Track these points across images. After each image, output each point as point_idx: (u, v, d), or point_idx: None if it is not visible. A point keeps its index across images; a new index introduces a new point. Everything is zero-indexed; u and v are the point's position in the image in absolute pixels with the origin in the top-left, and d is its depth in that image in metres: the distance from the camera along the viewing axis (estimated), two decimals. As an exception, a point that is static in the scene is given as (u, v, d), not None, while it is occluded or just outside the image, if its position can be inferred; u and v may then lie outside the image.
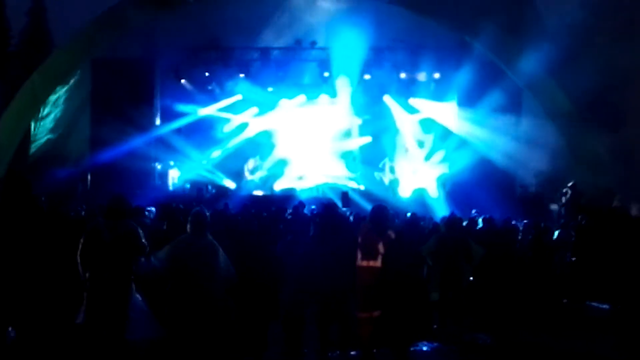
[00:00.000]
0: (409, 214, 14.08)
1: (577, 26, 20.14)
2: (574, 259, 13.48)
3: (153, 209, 12.74)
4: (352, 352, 8.55)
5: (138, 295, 6.98)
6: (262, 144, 26.51)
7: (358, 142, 26.43)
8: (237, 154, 26.24)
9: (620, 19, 20.15)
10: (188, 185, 25.19)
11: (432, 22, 22.82)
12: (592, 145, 21.92)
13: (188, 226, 7.28)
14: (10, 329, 6.20)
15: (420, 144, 25.79)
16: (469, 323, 10.77)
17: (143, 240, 6.99)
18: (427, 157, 25.26)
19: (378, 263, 7.72)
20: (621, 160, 21.10)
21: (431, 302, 10.32)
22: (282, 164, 26.09)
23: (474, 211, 17.90)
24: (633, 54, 19.28)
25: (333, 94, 25.62)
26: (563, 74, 21.55)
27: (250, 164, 26.09)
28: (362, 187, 24.66)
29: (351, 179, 25.54)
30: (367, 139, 26.37)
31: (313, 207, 18.71)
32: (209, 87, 26.19)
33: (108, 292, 6.58)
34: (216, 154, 26.19)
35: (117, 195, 7.15)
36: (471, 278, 11.08)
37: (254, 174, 25.98)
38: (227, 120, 26.43)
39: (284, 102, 26.46)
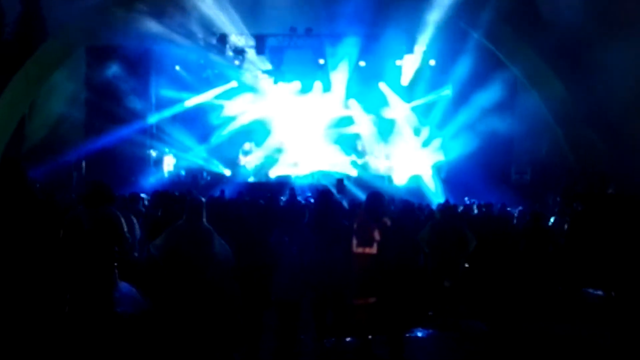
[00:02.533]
0: (404, 202, 14.08)
1: (573, 17, 20.12)
2: (567, 245, 13.47)
3: (147, 196, 12.72)
4: (348, 339, 8.55)
5: (124, 283, 6.93)
6: (257, 131, 26.43)
7: (353, 129, 26.39)
8: (232, 141, 26.16)
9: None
10: (183, 173, 25.12)
11: (428, 9, 22.71)
12: (588, 133, 21.94)
13: (183, 213, 7.27)
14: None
15: (416, 131, 25.77)
16: (465, 310, 10.78)
17: (124, 228, 6.90)
18: (423, 144, 25.24)
19: (374, 250, 7.72)
20: (616, 148, 21.11)
21: (427, 289, 10.35)
22: (277, 151, 26.03)
23: (466, 199, 17.95)
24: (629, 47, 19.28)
25: (328, 81, 25.55)
26: (559, 62, 21.57)
27: (246, 146, 25.96)
28: (356, 174, 24.62)
29: (346, 166, 25.48)
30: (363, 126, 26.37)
31: (309, 194, 18.71)
32: (204, 75, 26.10)
33: (90, 279, 6.53)
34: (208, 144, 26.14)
35: (95, 181, 7.06)
36: (466, 265, 11.09)
37: (247, 155, 25.83)
38: (222, 108, 26.36)
39: (279, 89, 26.43)
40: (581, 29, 19.92)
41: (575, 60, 20.60)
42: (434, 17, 22.54)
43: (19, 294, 5.73)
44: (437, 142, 24.79)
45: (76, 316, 6.46)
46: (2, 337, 5.64)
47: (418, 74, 25.47)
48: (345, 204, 15.08)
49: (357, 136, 26.39)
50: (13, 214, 5.76)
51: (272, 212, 10.72)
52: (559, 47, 21.08)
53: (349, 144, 26.36)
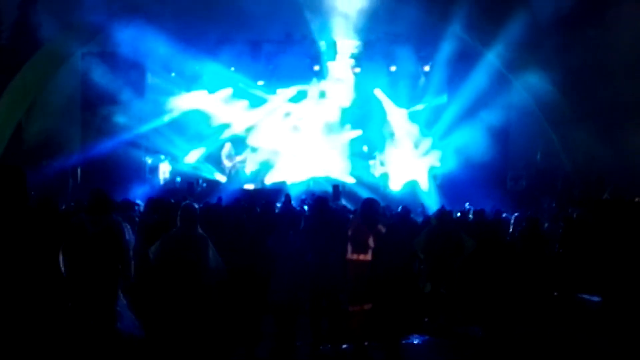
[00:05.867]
0: (399, 208, 14.08)
1: (566, 16, 20.18)
2: (561, 250, 13.48)
3: (142, 202, 12.71)
4: (344, 346, 8.55)
5: (123, 299, 6.92)
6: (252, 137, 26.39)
7: (348, 135, 26.38)
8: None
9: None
10: (179, 179, 25.10)
11: (423, 14, 22.76)
12: (583, 138, 21.96)
13: (178, 220, 7.28)
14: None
15: (411, 138, 25.75)
16: (461, 316, 10.79)
17: (127, 235, 6.92)
18: (419, 151, 25.23)
19: (368, 256, 7.74)
20: (612, 152, 21.14)
21: (422, 295, 10.35)
22: (273, 157, 26.00)
23: (467, 204, 17.96)
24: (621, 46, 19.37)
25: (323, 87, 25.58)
26: (552, 65, 21.61)
27: (226, 148, 25.90)
28: (352, 181, 24.59)
29: (342, 172, 25.45)
30: (358, 132, 26.33)
31: (304, 197, 18.74)
32: (200, 81, 26.06)
33: (93, 286, 6.53)
34: (201, 150, 26.07)
35: (96, 189, 7.07)
36: (462, 269, 11.09)
37: (231, 160, 25.77)
38: (217, 114, 26.30)
39: (274, 95, 26.39)
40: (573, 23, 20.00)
41: (570, 61, 20.64)
42: (428, 23, 22.62)
43: (16, 300, 5.73)
44: (432, 149, 24.81)
45: (76, 326, 6.46)
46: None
47: (413, 80, 25.55)
48: (340, 210, 15.10)
49: (352, 142, 26.37)
50: (13, 220, 5.75)
51: (268, 219, 10.73)
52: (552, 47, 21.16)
53: (345, 150, 26.34)
